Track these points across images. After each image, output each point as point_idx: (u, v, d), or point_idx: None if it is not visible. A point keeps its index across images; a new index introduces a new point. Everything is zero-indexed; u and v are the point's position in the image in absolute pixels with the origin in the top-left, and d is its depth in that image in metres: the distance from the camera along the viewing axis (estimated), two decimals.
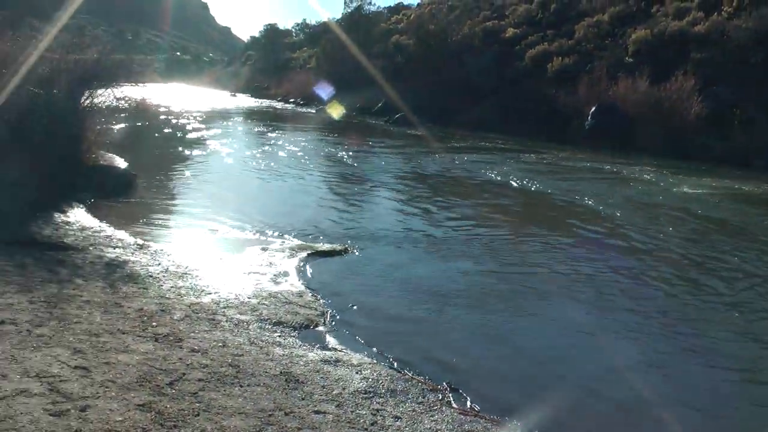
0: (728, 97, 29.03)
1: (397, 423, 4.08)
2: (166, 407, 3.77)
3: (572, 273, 8.27)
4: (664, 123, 28.66)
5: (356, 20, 62.90)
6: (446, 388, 4.78)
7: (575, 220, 11.92)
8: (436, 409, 4.39)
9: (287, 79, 74.41)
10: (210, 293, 6.20)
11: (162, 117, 29.53)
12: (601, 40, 38.45)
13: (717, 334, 6.44)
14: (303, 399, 4.20)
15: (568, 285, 7.76)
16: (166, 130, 24.47)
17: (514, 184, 15.92)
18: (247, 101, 63.94)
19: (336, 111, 50.74)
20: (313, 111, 50.28)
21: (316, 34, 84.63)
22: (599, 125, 29.95)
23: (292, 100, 65.66)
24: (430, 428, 4.08)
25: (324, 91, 43.07)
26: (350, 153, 21.20)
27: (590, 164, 21.86)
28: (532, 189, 15.34)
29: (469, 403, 4.63)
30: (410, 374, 4.93)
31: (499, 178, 16.77)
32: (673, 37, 33.57)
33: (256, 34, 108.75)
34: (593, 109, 30.63)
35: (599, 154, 25.18)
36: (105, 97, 12.04)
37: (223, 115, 38.03)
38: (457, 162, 20.07)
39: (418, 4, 73.32)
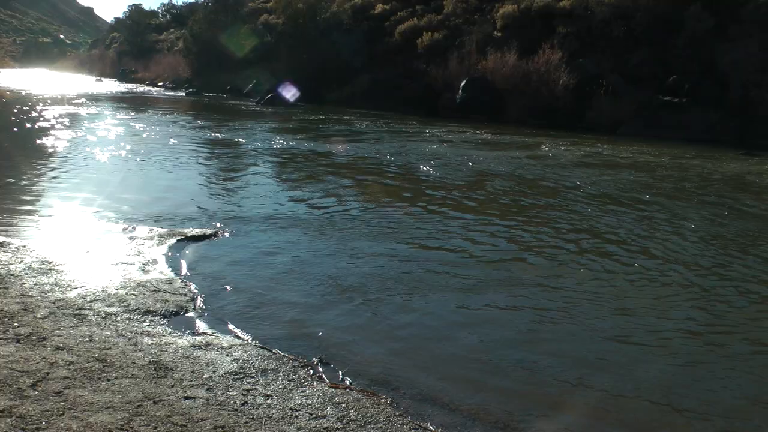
0: (593, 69, 30.51)
1: (268, 401, 4.16)
2: (29, 410, 3.71)
3: (448, 249, 8.55)
4: (533, 95, 29.77)
5: (224, 0, 61.66)
6: (317, 364, 4.88)
7: (442, 192, 12.26)
8: (307, 384, 4.48)
9: (155, 62, 72.53)
10: (76, 288, 6.06)
11: (20, 105, 28.20)
12: (470, 15, 39.17)
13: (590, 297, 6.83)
14: (172, 386, 4.22)
15: (443, 261, 8.02)
16: (24, 119, 23.42)
17: (384, 160, 16.16)
18: (113, 86, 61.96)
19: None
20: (183, 94, 49.27)
21: (183, 15, 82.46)
22: (470, 99, 30.83)
23: (160, 83, 64.28)
24: (300, 403, 4.18)
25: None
26: (219, 135, 20.97)
27: (462, 135, 22.40)
28: (403, 164, 15.62)
29: (341, 377, 4.74)
30: (281, 352, 5.01)
31: (369, 155, 16.97)
32: (540, 13, 34.54)
33: (121, 15, 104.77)
34: (463, 83, 31.38)
35: (470, 126, 25.83)
36: None
37: (89, 101, 36.64)
38: (327, 140, 20.15)
39: None
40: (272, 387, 4.38)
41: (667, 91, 29.17)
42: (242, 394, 4.21)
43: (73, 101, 35.32)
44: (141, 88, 60.91)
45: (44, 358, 4.44)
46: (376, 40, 41.73)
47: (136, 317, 5.46)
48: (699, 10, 30.36)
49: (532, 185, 13.59)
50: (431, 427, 4.11)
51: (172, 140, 18.96)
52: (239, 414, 3.95)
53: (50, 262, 6.81)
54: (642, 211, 11.43)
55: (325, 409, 4.14)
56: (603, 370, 5.15)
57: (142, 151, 16.36)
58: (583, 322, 6.10)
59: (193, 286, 6.37)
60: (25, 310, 5.37)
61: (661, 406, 4.62)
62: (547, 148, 20.52)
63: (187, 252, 7.57)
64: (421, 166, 15.29)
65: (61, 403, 3.83)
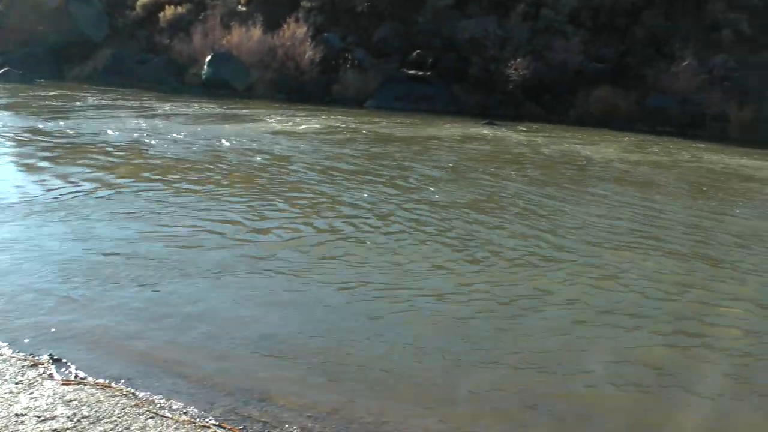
0: (338, 44, 31.31)
1: None
2: None
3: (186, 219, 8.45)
4: (279, 69, 30.14)
5: None
6: (49, 361, 4.66)
7: (177, 170, 12.12)
8: (36, 385, 4.28)
9: None
10: None
11: None
12: None
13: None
14: None
15: (185, 243, 7.93)
16: None
17: (115, 138, 15.50)
18: None
19: None
20: None
21: None
22: (216, 74, 30.75)
23: None
24: (27, 407, 3.98)
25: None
26: None
27: (201, 111, 22.24)
28: (136, 142, 15.16)
29: (74, 372, 4.56)
30: (9, 353, 4.72)
31: (105, 134, 16.17)
32: None
33: None
34: (208, 58, 31.15)
35: (213, 102, 25.65)
36: None
37: None
38: (59, 119, 18.97)
39: None
40: None
41: (412, 66, 30.50)
42: None
43: None
44: None
45: None
46: (118, 13, 39.91)
47: None
48: None
49: (266, 159, 13.71)
50: (168, 414, 4.08)
51: None
52: None
53: None
54: (383, 183, 11.95)
55: (55, 409, 3.98)
56: (339, 332, 5.42)
57: None
58: (325, 290, 6.37)
59: None
60: None
61: (408, 364, 4.95)
62: (291, 123, 20.79)
63: None
64: (155, 143, 14.79)
65: None
